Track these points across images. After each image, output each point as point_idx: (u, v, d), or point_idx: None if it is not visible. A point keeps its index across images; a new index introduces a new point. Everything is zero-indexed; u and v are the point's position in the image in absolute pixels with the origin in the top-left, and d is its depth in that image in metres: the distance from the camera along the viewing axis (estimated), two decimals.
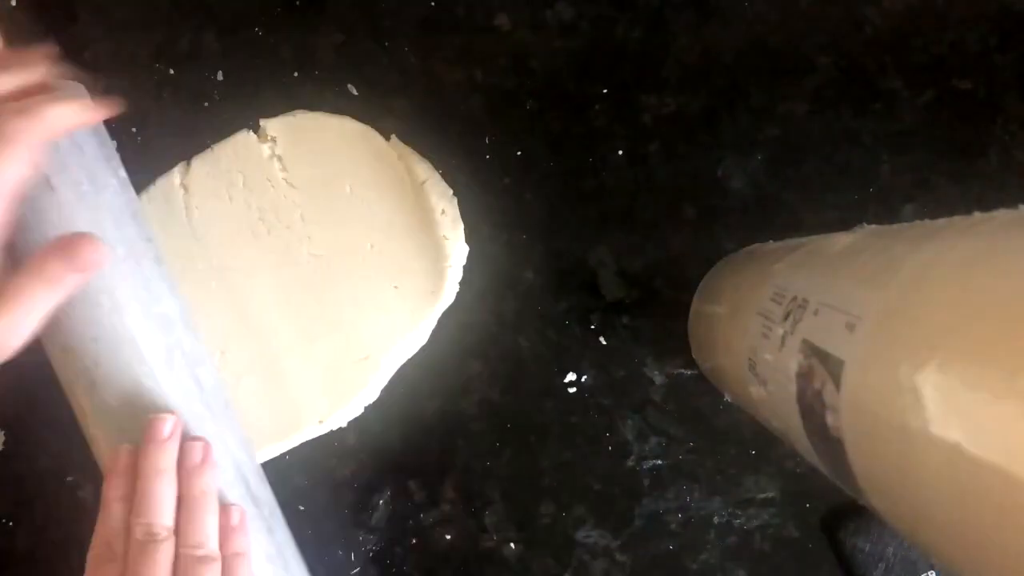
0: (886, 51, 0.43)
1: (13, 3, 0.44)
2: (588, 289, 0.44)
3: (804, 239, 0.34)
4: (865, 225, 0.28)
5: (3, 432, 0.45)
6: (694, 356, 0.44)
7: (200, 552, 0.33)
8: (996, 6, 0.43)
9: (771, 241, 0.41)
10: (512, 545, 0.44)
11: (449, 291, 0.44)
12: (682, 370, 0.44)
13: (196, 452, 0.34)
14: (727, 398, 0.42)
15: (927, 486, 0.18)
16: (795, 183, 0.44)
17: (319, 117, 0.44)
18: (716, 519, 0.44)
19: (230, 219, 0.44)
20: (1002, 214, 0.20)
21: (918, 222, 0.25)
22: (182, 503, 0.34)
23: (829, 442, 0.23)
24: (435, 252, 0.43)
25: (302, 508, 0.44)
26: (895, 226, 0.26)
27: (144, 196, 0.44)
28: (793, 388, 0.25)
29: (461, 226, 0.44)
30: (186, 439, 0.35)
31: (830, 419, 0.22)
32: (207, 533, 0.33)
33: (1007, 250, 0.18)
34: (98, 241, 0.31)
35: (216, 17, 0.45)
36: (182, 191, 0.44)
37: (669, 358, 0.44)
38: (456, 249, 0.44)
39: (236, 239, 0.44)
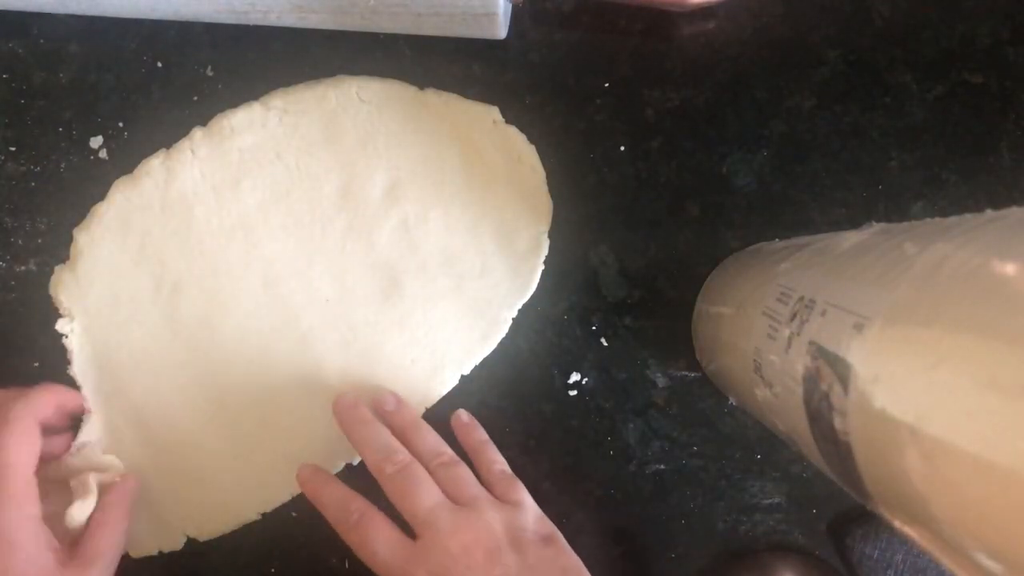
0: (895, 44, 0.42)
1: None
2: (589, 289, 0.44)
3: (811, 237, 0.33)
4: (874, 223, 0.28)
5: None
6: (698, 358, 0.43)
7: (445, 458, 0.39)
8: None
9: (777, 240, 0.41)
10: None
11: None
12: (685, 372, 0.43)
13: (388, 398, 0.41)
14: (732, 401, 0.42)
15: (938, 492, 0.18)
16: (802, 180, 0.43)
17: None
18: (720, 525, 0.44)
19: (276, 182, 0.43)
20: (1015, 211, 0.20)
21: (928, 220, 0.25)
22: (403, 435, 0.39)
23: (837, 446, 0.23)
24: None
25: (294, 515, 0.43)
26: (904, 224, 0.26)
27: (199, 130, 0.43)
28: (800, 391, 0.25)
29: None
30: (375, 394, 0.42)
31: (838, 423, 0.22)
32: (438, 443, 0.40)
33: (1020, 248, 0.17)
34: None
35: None
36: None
37: (672, 360, 0.43)
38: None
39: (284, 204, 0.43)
